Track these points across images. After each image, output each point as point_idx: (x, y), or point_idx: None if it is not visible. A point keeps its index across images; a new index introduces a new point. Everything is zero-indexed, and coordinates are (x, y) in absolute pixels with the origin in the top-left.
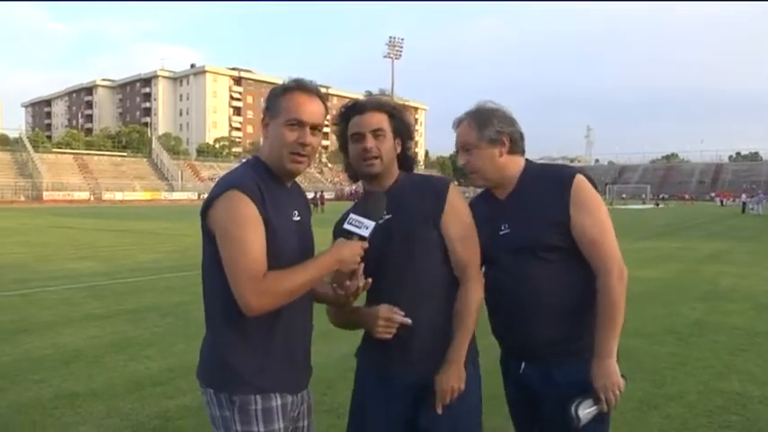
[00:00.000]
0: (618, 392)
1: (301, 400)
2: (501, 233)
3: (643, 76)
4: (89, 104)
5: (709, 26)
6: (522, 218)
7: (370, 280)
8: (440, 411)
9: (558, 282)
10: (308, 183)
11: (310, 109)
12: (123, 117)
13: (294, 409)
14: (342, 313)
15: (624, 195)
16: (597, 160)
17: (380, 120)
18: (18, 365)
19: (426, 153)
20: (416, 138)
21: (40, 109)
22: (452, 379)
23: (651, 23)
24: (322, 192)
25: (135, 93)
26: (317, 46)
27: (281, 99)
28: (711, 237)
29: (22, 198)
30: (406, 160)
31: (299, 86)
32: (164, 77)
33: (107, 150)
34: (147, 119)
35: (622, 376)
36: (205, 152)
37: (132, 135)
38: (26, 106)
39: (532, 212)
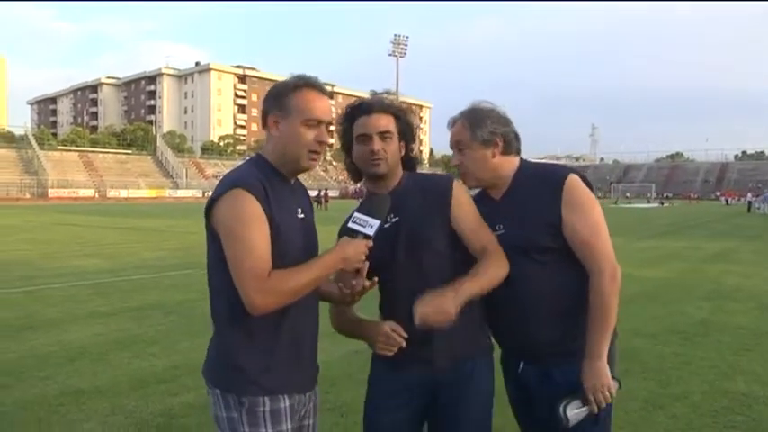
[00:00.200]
0: (608, 394)
1: (308, 399)
2: (496, 234)
3: (648, 75)
4: (94, 102)
5: (714, 25)
6: (515, 218)
7: (376, 279)
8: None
9: (553, 282)
10: (312, 181)
11: (324, 107)
12: (128, 115)
13: (301, 409)
14: (346, 320)
15: (628, 194)
16: (602, 159)
17: (387, 122)
18: (23, 362)
19: (431, 151)
20: (421, 136)
21: (45, 106)
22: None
23: (655, 22)
24: (326, 190)
25: (140, 91)
26: (321, 44)
27: (292, 97)
28: (716, 236)
29: (28, 195)
30: (409, 161)
31: (310, 84)
32: (168, 75)
33: (112, 148)
34: (152, 116)
35: (615, 379)
36: (210, 150)
37: (137, 133)
38: (32, 104)
39: (525, 213)
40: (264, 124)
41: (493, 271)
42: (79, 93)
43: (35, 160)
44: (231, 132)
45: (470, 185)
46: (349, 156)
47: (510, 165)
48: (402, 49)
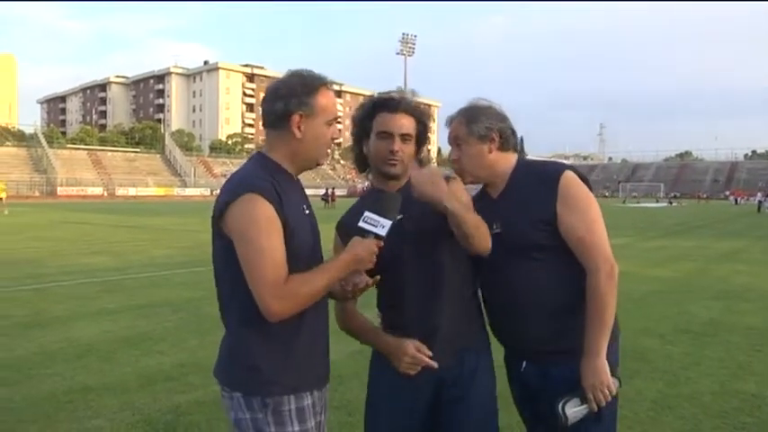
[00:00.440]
0: (607, 392)
1: (323, 394)
2: (493, 232)
3: (657, 74)
4: (103, 101)
5: (724, 23)
6: (512, 216)
7: (378, 277)
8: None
9: (551, 281)
10: (320, 179)
11: (337, 104)
12: (137, 113)
13: (318, 405)
14: (356, 323)
15: (635, 194)
16: (610, 158)
17: (410, 124)
18: (32, 359)
19: (439, 150)
20: (429, 135)
21: (54, 105)
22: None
23: (665, 20)
24: (333, 188)
25: (148, 89)
26: (329, 43)
27: (316, 97)
28: (725, 235)
29: (37, 193)
30: (417, 162)
31: (329, 83)
32: (177, 74)
33: (120, 146)
34: (161, 115)
35: (615, 377)
36: (218, 148)
37: (145, 131)
38: (41, 102)
39: (521, 211)
40: (276, 124)
41: (485, 228)
42: (88, 91)
43: (44, 158)
44: (239, 131)
45: (467, 182)
46: (359, 145)
47: (507, 161)
48: (410, 47)
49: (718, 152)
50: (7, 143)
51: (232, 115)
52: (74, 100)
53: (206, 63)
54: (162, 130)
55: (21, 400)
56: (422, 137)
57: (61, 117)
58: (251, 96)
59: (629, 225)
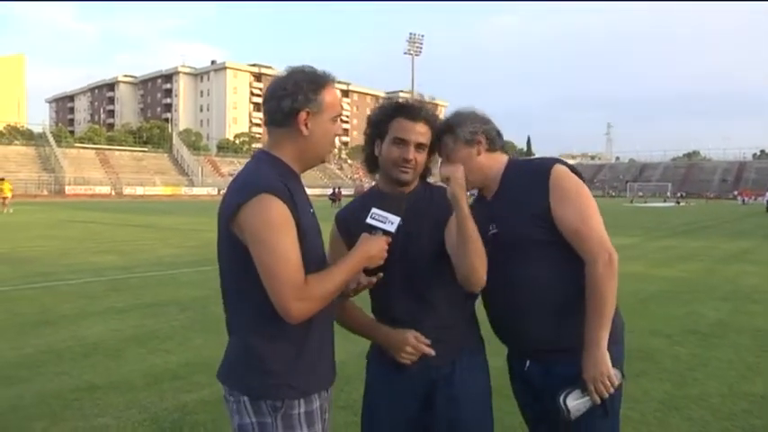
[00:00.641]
0: (608, 383)
1: (329, 394)
2: (490, 233)
3: (664, 73)
4: (111, 100)
5: (732, 21)
6: (506, 215)
7: (381, 275)
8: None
9: (551, 277)
10: (327, 179)
11: (341, 101)
12: (144, 113)
13: (325, 405)
14: (354, 317)
15: (641, 193)
16: (618, 158)
17: (427, 134)
18: (40, 357)
19: None
20: None
21: (63, 104)
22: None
23: (672, 20)
24: (339, 187)
25: (156, 89)
26: (336, 42)
27: (323, 94)
28: (734, 236)
29: (45, 192)
30: (424, 170)
31: (331, 80)
32: (184, 74)
33: (128, 145)
34: (168, 114)
35: (617, 368)
36: (225, 148)
37: (153, 131)
38: (50, 102)
39: (515, 209)
40: (282, 121)
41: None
42: (96, 91)
43: (53, 157)
44: (247, 130)
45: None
46: (371, 146)
47: (497, 162)
48: (417, 47)
49: (726, 152)
50: (16, 142)
51: (239, 115)
52: (82, 99)
53: (213, 63)
54: (169, 130)
55: (29, 398)
56: (432, 146)
57: (69, 116)
58: (258, 96)
59: (637, 225)
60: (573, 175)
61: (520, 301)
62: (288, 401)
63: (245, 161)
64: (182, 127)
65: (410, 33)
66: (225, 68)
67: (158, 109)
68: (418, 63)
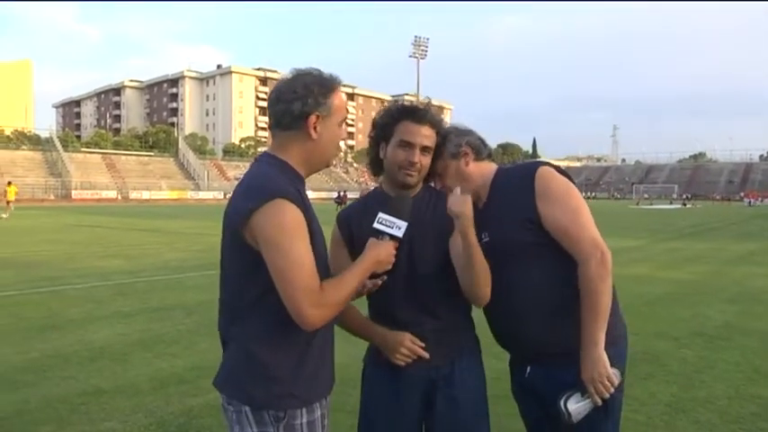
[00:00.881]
0: (608, 383)
1: (328, 401)
2: (482, 241)
3: (670, 74)
4: (117, 105)
5: (739, 21)
6: (496, 223)
7: (385, 277)
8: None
9: (546, 281)
10: (333, 182)
11: (348, 106)
12: (150, 117)
13: (325, 412)
14: (351, 318)
15: (646, 195)
16: (623, 160)
17: (432, 137)
18: (47, 361)
19: None
20: None
21: (69, 109)
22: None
23: (677, 21)
24: (345, 191)
25: (162, 93)
26: (342, 46)
27: (332, 97)
28: (741, 237)
29: (52, 197)
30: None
31: (339, 83)
32: (190, 78)
33: (134, 150)
34: (174, 119)
35: (616, 368)
36: (231, 152)
37: (159, 135)
38: (57, 107)
39: (504, 215)
40: (291, 124)
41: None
42: (103, 96)
43: (59, 162)
44: (252, 134)
45: None
46: (376, 149)
47: (486, 170)
48: (423, 50)
49: (732, 153)
50: (23, 147)
51: (245, 119)
52: (88, 104)
53: (219, 67)
54: (175, 134)
55: (35, 402)
56: (438, 150)
57: (76, 121)
58: (264, 100)
59: (643, 227)
60: (559, 175)
61: (517, 306)
62: (290, 411)
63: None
64: (188, 131)
65: (415, 36)
66: (231, 73)
67: (164, 113)
68: (423, 66)
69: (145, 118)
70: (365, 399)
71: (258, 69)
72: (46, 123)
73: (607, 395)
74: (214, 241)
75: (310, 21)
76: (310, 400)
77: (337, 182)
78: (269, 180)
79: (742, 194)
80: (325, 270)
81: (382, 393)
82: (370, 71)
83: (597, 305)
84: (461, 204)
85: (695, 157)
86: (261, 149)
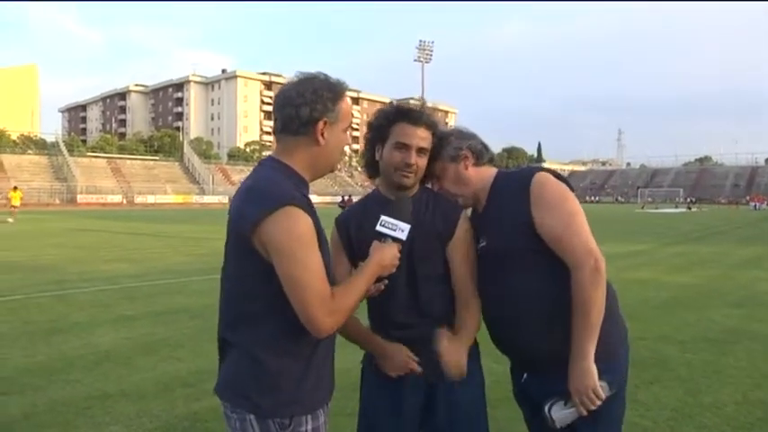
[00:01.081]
0: (593, 396)
1: (329, 407)
2: (480, 246)
3: (676, 77)
4: (122, 109)
5: (742, 24)
6: (493, 228)
7: (386, 281)
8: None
9: (541, 288)
10: (338, 186)
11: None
12: (156, 122)
13: (326, 417)
14: (350, 325)
15: (650, 199)
16: (629, 163)
17: (428, 139)
18: (52, 365)
19: None
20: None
21: (75, 114)
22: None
23: (682, 24)
24: (350, 195)
25: (167, 98)
26: (346, 50)
27: (339, 103)
28: (746, 241)
29: (58, 201)
30: (424, 175)
31: (346, 89)
32: (195, 82)
33: (139, 154)
34: (179, 123)
35: (605, 381)
36: (236, 156)
37: (164, 139)
38: (62, 111)
39: (501, 221)
40: (298, 129)
41: (474, 327)
42: (108, 100)
43: (65, 166)
44: (257, 139)
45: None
46: (372, 151)
47: (485, 175)
48: (427, 54)
49: (738, 156)
50: (29, 151)
51: (250, 123)
52: (94, 109)
53: (224, 71)
54: (180, 138)
55: (41, 406)
56: (433, 152)
57: (81, 125)
58: (269, 104)
59: (648, 231)
60: (555, 181)
61: (512, 313)
62: (296, 418)
63: None
64: (192, 135)
65: (420, 41)
66: (236, 77)
67: (169, 118)
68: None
69: (150, 122)
70: (364, 402)
71: (263, 74)
72: (52, 128)
73: (592, 407)
74: (218, 245)
75: (315, 26)
76: (314, 407)
77: (342, 186)
78: (277, 186)
79: (748, 198)
80: (329, 275)
81: (381, 396)
82: (374, 75)
83: (588, 315)
84: (458, 366)
85: (701, 160)
86: (266, 154)
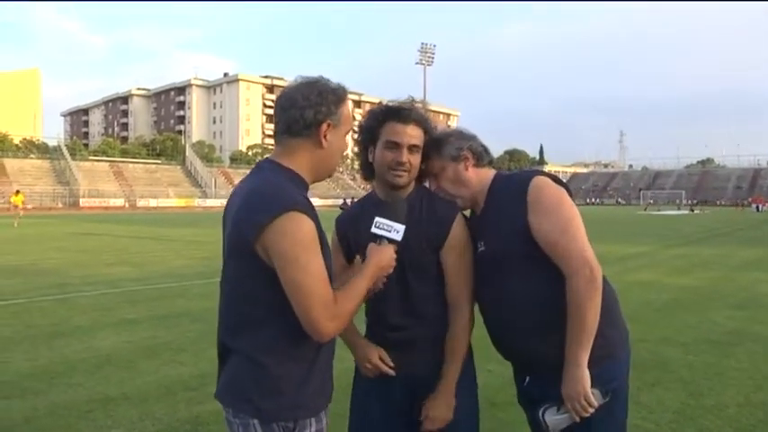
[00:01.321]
0: (584, 403)
1: (329, 409)
2: (479, 251)
3: (678, 79)
4: (125, 113)
5: (745, 25)
6: (491, 232)
7: (385, 279)
8: None
9: (538, 292)
10: (340, 189)
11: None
12: (158, 125)
13: (327, 419)
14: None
15: (651, 201)
16: (631, 166)
17: (419, 136)
18: (54, 368)
19: None
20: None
21: (77, 118)
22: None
23: (683, 25)
24: (352, 198)
25: (169, 101)
26: (348, 53)
27: (342, 106)
28: (749, 243)
29: (60, 205)
30: (419, 174)
31: (347, 93)
32: (197, 86)
33: (142, 158)
34: (181, 127)
35: (598, 388)
36: (238, 159)
37: (166, 143)
38: (65, 115)
39: (498, 225)
40: (301, 132)
41: (464, 335)
42: (110, 104)
43: (67, 170)
44: (260, 142)
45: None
46: (365, 153)
47: (484, 176)
48: (429, 57)
49: (740, 159)
50: (32, 155)
51: (252, 126)
52: (96, 112)
53: (226, 75)
54: (183, 142)
55: (42, 410)
56: (426, 149)
57: (84, 129)
58: (271, 108)
59: (650, 233)
60: (554, 185)
61: (510, 316)
62: (300, 422)
63: None
64: (195, 139)
65: (422, 43)
66: (237, 80)
67: (171, 121)
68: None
69: (152, 126)
70: (356, 402)
71: (265, 77)
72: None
73: (585, 414)
74: (220, 249)
75: (317, 29)
76: (318, 410)
77: (344, 189)
78: (281, 190)
79: (750, 200)
80: (332, 279)
81: (376, 396)
82: (377, 78)
83: (582, 322)
84: (444, 419)
85: (703, 162)
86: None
